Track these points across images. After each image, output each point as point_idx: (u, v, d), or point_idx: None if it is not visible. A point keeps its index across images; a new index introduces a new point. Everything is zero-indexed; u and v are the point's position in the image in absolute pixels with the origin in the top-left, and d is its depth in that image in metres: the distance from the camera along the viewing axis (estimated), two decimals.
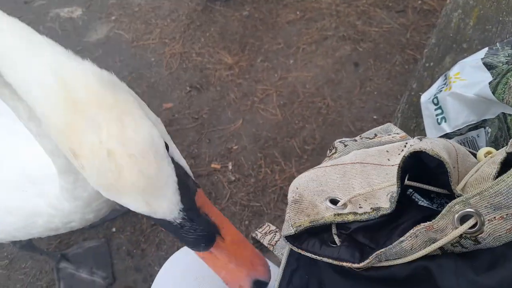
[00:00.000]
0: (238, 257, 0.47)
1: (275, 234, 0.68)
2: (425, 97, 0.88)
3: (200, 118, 1.91)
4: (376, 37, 2.11)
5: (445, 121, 0.82)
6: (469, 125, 0.79)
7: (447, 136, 0.82)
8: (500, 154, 0.44)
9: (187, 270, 0.60)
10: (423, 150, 0.44)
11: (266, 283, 0.50)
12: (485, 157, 0.52)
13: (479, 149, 0.80)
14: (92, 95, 0.38)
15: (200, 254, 0.46)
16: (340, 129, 1.80)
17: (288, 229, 0.49)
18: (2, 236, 0.89)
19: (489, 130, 0.77)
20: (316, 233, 0.49)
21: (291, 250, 0.54)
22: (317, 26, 2.23)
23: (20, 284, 1.44)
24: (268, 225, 0.76)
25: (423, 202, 0.55)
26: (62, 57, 0.40)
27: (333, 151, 0.62)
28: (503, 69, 0.75)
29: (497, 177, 0.43)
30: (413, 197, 0.55)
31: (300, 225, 0.48)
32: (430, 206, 0.54)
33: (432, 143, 0.47)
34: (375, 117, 1.80)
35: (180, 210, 0.40)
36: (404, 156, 0.46)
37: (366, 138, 0.62)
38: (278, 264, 0.63)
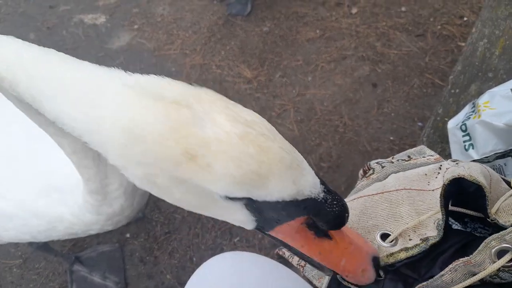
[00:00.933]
0: (353, 235, 0.44)
1: None
2: (453, 124, 0.90)
3: None
4: (395, 59, 2.14)
5: (473, 148, 0.83)
6: (497, 153, 0.80)
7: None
8: None
9: (221, 277, 0.61)
10: (462, 176, 0.45)
11: (378, 258, 0.46)
12: None
13: (506, 177, 0.81)
14: (185, 96, 0.37)
15: (318, 246, 0.42)
16: (356, 148, 1.81)
17: None
18: (26, 237, 0.91)
19: None
20: None
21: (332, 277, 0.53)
22: (337, 45, 2.26)
23: (33, 284, 1.45)
24: None
25: (457, 226, 0.55)
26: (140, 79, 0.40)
27: (371, 172, 0.63)
28: None
29: None
30: (449, 221, 0.56)
31: None
32: (464, 230, 0.54)
33: (469, 168, 0.48)
34: (391, 138, 1.81)
35: (320, 183, 0.38)
36: (444, 184, 0.47)
37: (402, 160, 0.63)
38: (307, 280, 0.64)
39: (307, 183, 0.37)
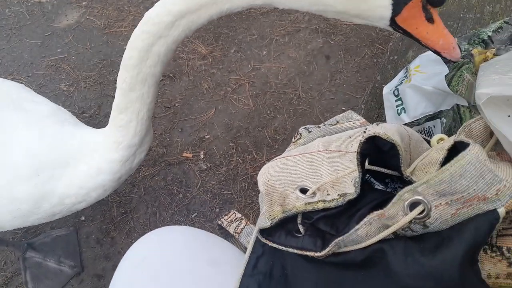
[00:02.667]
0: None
1: (241, 221, 0.70)
2: (387, 89, 0.92)
3: (173, 107, 1.91)
4: (347, 30, 2.16)
5: (405, 112, 0.86)
6: (426, 115, 0.83)
7: (405, 126, 0.86)
8: (448, 142, 0.48)
9: (148, 257, 0.61)
10: (377, 135, 0.47)
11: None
12: (438, 143, 0.56)
13: None
14: None
15: (427, 27, 0.55)
16: (310, 120, 1.83)
17: (264, 222, 0.50)
18: None
19: (444, 120, 0.82)
20: (281, 224, 0.50)
21: (257, 237, 0.55)
22: (290, 18, 2.25)
23: None
24: (234, 213, 0.78)
25: (378, 186, 0.58)
26: None
27: (298, 137, 0.65)
28: (458, 63, 0.80)
29: (444, 163, 0.46)
30: (370, 181, 0.58)
31: (274, 217, 0.49)
32: (385, 190, 0.57)
33: (385, 128, 0.50)
34: (343, 108, 1.85)
35: None
36: (360, 141, 0.48)
37: (329, 124, 0.65)
38: (243, 251, 0.66)
39: None
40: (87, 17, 2.38)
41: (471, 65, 0.72)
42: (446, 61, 0.79)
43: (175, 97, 1.95)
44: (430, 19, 0.55)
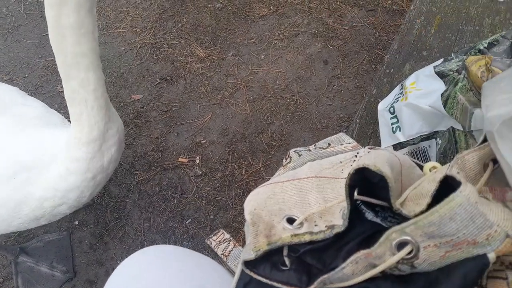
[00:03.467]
0: None
1: (229, 243, 0.69)
2: (382, 105, 0.91)
3: (169, 111, 1.90)
4: (346, 35, 2.14)
5: (400, 130, 0.85)
6: (422, 135, 0.82)
7: (400, 145, 0.85)
8: (440, 173, 0.46)
9: (135, 278, 0.60)
10: (366, 166, 0.46)
11: None
12: (430, 171, 0.55)
13: (430, 160, 0.84)
14: None
15: None
16: (307, 126, 1.83)
17: (249, 253, 0.48)
18: None
19: (440, 141, 0.80)
20: (267, 256, 0.48)
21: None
22: (289, 22, 2.24)
23: None
24: (222, 233, 0.76)
25: (368, 214, 0.57)
26: None
27: (288, 160, 0.63)
28: (454, 78, 0.79)
29: (435, 195, 0.45)
30: (360, 208, 0.57)
31: (259, 249, 0.48)
32: (374, 220, 0.56)
33: (376, 157, 0.49)
34: (341, 115, 1.84)
35: None
36: (349, 173, 0.47)
37: (320, 148, 0.64)
38: (231, 272, 0.65)
39: None
40: None
41: (466, 82, 0.71)
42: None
43: (172, 101, 1.93)
44: None
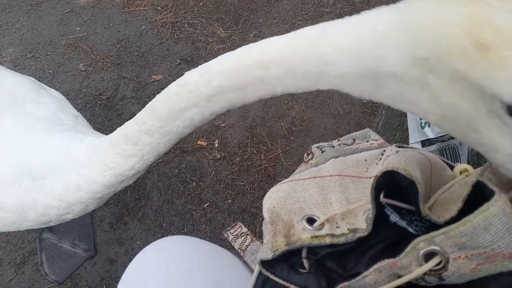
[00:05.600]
0: None
1: (246, 237, 0.68)
2: None
3: None
4: None
5: (429, 126, 0.81)
6: None
7: (429, 141, 0.82)
8: (473, 176, 0.44)
9: (152, 271, 0.61)
10: (395, 170, 0.44)
11: None
12: (461, 174, 0.52)
13: (460, 159, 0.80)
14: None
15: None
16: (329, 112, 1.79)
17: (266, 253, 0.46)
18: None
19: None
20: (285, 257, 0.47)
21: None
22: (314, 2, 2.17)
23: (2, 252, 1.46)
24: (240, 226, 0.75)
25: (394, 217, 0.55)
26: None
27: (310, 156, 0.61)
28: None
29: (467, 200, 0.43)
30: (386, 210, 0.55)
31: (277, 249, 0.46)
32: (400, 224, 0.53)
33: (406, 159, 0.46)
34: (364, 101, 1.79)
35: None
36: (377, 175, 0.45)
37: (344, 144, 0.62)
38: (250, 267, 0.64)
39: None
40: None
41: None
42: None
43: None
44: None
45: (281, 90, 0.49)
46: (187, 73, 0.55)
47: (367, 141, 0.61)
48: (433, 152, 0.81)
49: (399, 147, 0.58)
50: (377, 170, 0.55)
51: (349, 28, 0.40)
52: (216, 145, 1.71)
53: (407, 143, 0.87)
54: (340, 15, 2.09)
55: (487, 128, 0.33)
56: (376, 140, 0.61)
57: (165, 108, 0.58)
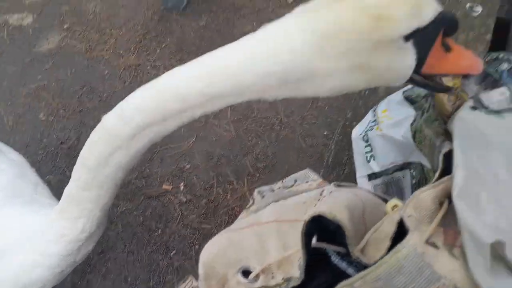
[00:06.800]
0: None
1: None
2: (356, 133, 0.89)
3: None
4: None
5: (374, 159, 0.83)
6: (396, 165, 0.80)
7: (375, 175, 0.84)
8: (397, 213, 0.45)
9: None
10: (322, 215, 0.44)
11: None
12: (392, 210, 0.52)
13: (403, 191, 0.82)
14: None
15: (450, 60, 0.53)
16: (292, 145, 1.81)
17: None
18: None
19: (414, 173, 0.79)
20: None
21: None
22: None
23: None
24: (191, 280, 0.74)
25: (335, 258, 0.54)
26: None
27: (251, 202, 0.61)
28: (422, 105, 0.77)
29: (395, 237, 0.43)
30: (327, 251, 0.54)
31: None
32: (340, 266, 0.53)
33: (334, 203, 0.47)
34: (325, 133, 1.82)
35: None
36: (305, 221, 0.45)
37: (284, 187, 0.62)
38: None
39: (436, 3, 0.49)
40: (69, 41, 2.35)
41: (431, 111, 0.69)
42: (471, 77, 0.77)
43: None
44: (448, 49, 0.53)
45: (200, 113, 0.53)
46: (104, 116, 0.55)
47: (306, 182, 0.62)
48: (378, 185, 0.82)
49: (337, 185, 0.59)
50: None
51: (253, 48, 0.48)
52: (182, 188, 1.69)
53: (355, 177, 0.89)
54: None
55: (397, 60, 0.49)
56: (315, 180, 0.62)
57: (92, 157, 0.58)
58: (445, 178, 0.45)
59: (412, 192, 0.84)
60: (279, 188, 0.64)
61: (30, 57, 2.28)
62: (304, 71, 0.47)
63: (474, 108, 0.55)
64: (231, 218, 1.60)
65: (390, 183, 0.83)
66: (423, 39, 0.49)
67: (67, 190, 0.67)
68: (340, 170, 0.91)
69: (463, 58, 0.54)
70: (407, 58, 0.50)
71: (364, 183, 0.83)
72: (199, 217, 1.61)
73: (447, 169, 0.47)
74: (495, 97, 0.55)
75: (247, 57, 0.48)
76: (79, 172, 0.62)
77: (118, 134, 0.55)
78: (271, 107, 1.94)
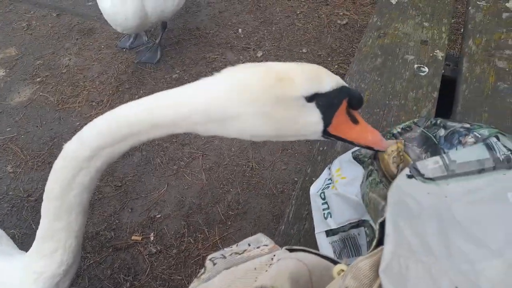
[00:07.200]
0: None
1: None
2: (314, 189, 0.93)
3: (124, 186, 1.87)
4: None
5: (331, 217, 0.86)
6: (352, 223, 0.83)
7: (332, 231, 0.86)
8: (338, 283, 0.47)
9: None
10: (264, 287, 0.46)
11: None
12: (338, 274, 0.55)
13: (360, 248, 0.84)
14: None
15: (355, 130, 0.63)
16: (263, 192, 1.83)
17: None
18: None
19: (368, 231, 0.82)
20: None
21: None
22: None
23: None
24: None
25: None
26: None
27: (202, 270, 0.62)
28: (368, 165, 0.81)
29: None
30: None
31: None
32: None
33: (277, 274, 0.49)
34: (295, 179, 1.86)
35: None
36: None
37: (236, 253, 0.64)
38: None
39: (339, 78, 0.60)
40: (41, 94, 2.37)
41: (376, 174, 0.74)
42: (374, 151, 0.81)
43: (126, 175, 1.92)
44: (355, 121, 0.63)
45: (146, 138, 0.62)
46: (65, 145, 0.65)
47: (258, 247, 0.64)
48: (336, 242, 0.84)
49: (289, 250, 0.61)
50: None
51: (195, 94, 0.60)
52: (152, 238, 1.67)
53: (314, 233, 0.90)
54: None
55: (302, 115, 0.59)
56: (266, 245, 0.64)
57: (57, 185, 0.66)
58: (379, 248, 0.47)
59: (368, 249, 0.87)
60: (231, 254, 0.65)
61: (0, 109, 2.27)
62: (220, 112, 0.58)
63: (410, 176, 0.59)
64: (202, 268, 1.57)
65: (347, 240, 0.85)
66: (324, 103, 0.59)
67: (39, 231, 0.72)
68: (300, 225, 0.94)
69: (367, 133, 0.64)
70: (312, 115, 0.59)
71: (322, 238, 0.86)
72: (169, 268, 1.58)
73: (383, 238, 0.49)
74: (430, 165, 0.59)
75: (182, 98, 0.60)
76: (47, 206, 0.68)
77: (78, 156, 0.63)
78: (242, 154, 1.99)
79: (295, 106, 0.58)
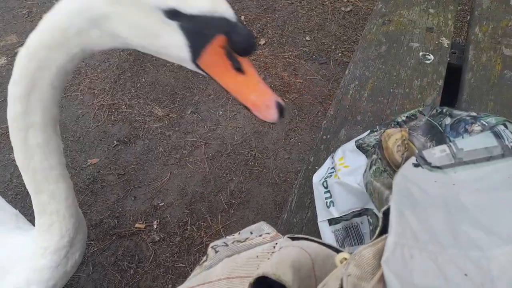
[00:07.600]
0: (262, 81, 0.53)
1: None
2: (317, 178, 0.93)
3: (127, 174, 1.87)
4: (300, 88, 2.21)
5: (333, 205, 0.85)
6: (354, 211, 0.83)
7: (335, 220, 0.86)
8: (340, 271, 0.46)
9: None
10: (265, 275, 0.46)
11: (284, 109, 0.53)
12: (341, 263, 0.54)
13: (363, 236, 0.84)
14: None
15: (234, 78, 0.51)
16: (266, 181, 1.83)
17: None
18: None
19: (371, 220, 0.81)
20: None
21: None
22: None
23: None
24: None
25: None
26: None
27: (204, 258, 0.62)
28: (372, 154, 0.81)
29: None
30: None
31: None
32: None
33: (279, 262, 0.49)
34: (298, 168, 1.86)
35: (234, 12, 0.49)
36: (250, 282, 0.47)
37: (238, 241, 0.64)
38: None
39: (222, 3, 0.49)
40: None
41: (379, 163, 0.73)
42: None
43: (129, 163, 1.92)
44: (240, 69, 0.51)
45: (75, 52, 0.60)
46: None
47: (260, 235, 0.64)
48: (338, 230, 0.84)
49: (291, 238, 0.61)
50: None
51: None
52: (155, 226, 1.68)
53: (317, 221, 0.90)
54: (270, 89, 2.23)
55: (163, 32, 0.51)
56: (269, 233, 0.64)
57: (17, 148, 0.65)
58: (383, 236, 0.47)
59: (371, 238, 0.87)
60: (233, 242, 0.65)
61: (2, 97, 2.27)
62: (94, 13, 0.54)
63: (416, 165, 0.57)
64: (204, 256, 1.58)
65: (350, 229, 0.85)
66: (190, 28, 0.49)
67: (34, 208, 0.72)
68: (303, 214, 0.93)
69: (249, 90, 0.52)
70: (173, 36, 0.50)
71: (325, 227, 0.85)
72: (173, 255, 1.59)
73: (386, 226, 0.49)
74: (436, 154, 0.57)
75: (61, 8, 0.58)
76: (25, 180, 0.68)
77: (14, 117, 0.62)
78: (245, 143, 1.98)
79: (154, 17, 0.50)
